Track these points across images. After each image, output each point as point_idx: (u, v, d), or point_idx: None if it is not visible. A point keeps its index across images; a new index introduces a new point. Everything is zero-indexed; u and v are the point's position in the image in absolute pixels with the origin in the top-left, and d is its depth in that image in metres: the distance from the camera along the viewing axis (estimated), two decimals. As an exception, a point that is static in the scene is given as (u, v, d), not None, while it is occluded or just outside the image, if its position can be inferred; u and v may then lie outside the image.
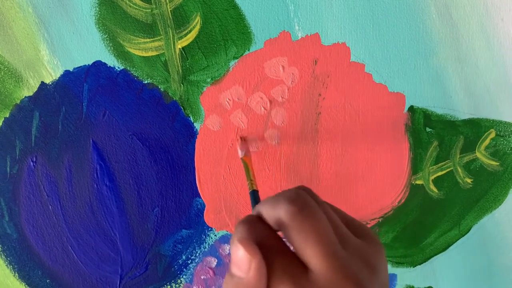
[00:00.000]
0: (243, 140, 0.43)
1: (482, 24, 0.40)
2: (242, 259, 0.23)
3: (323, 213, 0.25)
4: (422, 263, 0.47)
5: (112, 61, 0.42)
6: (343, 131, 0.43)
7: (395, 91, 0.43)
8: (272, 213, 0.25)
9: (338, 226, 0.26)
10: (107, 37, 0.41)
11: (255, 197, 0.36)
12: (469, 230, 0.46)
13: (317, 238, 0.24)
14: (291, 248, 0.25)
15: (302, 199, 0.25)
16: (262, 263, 0.23)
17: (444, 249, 0.47)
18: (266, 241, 0.24)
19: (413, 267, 0.47)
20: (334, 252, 0.24)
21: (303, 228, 0.24)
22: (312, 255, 0.24)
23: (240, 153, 0.42)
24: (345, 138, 0.44)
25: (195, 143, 0.44)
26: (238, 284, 0.24)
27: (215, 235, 0.47)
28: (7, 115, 0.43)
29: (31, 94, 0.43)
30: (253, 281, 0.23)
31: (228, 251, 0.47)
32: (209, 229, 0.46)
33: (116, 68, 0.42)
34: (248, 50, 0.42)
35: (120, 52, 0.42)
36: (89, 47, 0.42)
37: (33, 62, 0.42)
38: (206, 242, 0.47)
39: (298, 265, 0.24)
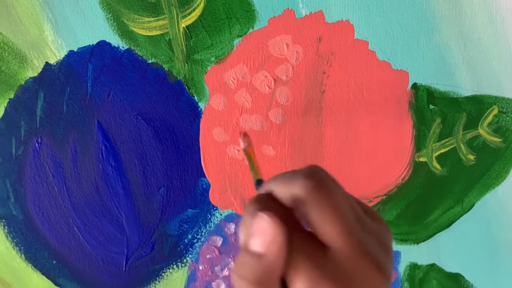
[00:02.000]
0: (245, 135, 0.42)
1: (485, 0, 0.40)
2: (266, 232, 0.22)
3: (340, 190, 0.24)
4: (425, 240, 0.47)
5: (116, 41, 0.42)
6: (347, 109, 0.44)
7: (398, 69, 0.43)
8: (286, 189, 0.24)
9: (354, 205, 0.25)
10: (111, 16, 0.41)
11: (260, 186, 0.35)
12: (472, 207, 0.47)
13: (336, 214, 0.23)
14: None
15: (319, 175, 0.24)
16: (287, 236, 0.22)
17: (447, 226, 0.47)
18: (281, 218, 0.23)
19: (417, 244, 0.48)
20: (353, 230, 0.23)
21: (322, 203, 0.23)
22: (331, 231, 0.23)
23: (242, 146, 0.42)
24: (349, 116, 0.44)
25: (200, 123, 0.44)
26: (256, 263, 0.22)
27: (221, 214, 0.47)
28: (12, 96, 0.43)
29: (35, 74, 0.43)
30: (273, 258, 0.22)
31: (233, 230, 0.47)
32: (215, 208, 0.47)
33: (121, 47, 0.42)
34: (252, 28, 0.42)
35: (124, 31, 0.42)
36: (93, 27, 0.42)
37: (37, 42, 0.42)
38: (211, 221, 0.47)
39: (316, 243, 0.23)
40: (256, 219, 0.22)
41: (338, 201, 0.23)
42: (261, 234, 0.22)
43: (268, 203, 0.24)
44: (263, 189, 0.26)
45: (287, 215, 0.23)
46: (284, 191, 0.24)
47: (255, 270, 0.22)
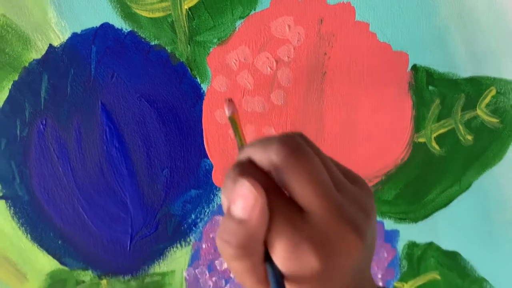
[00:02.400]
0: (230, 101, 0.43)
1: None
2: (247, 197, 0.22)
3: (315, 155, 0.24)
4: (423, 219, 0.48)
5: (119, 23, 0.42)
6: (348, 90, 0.44)
7: (398, 50, 0.43)
8: (263, 155, 0.24)
9: (332, 169, 0.26)
10: None
11: None
12: (469, 186, 0.47)
13: (311, 179, 0.23)
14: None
15: (294, 141, 0.24)
16: (266, 202, 0.23)
17: (445, 205, 0.48)
18: (261, 183, 0.23)
19: (415, 223, 0.48)
20: (329, 193, 0.23)
21: (297, 169, 0.23)
22: (307, 196, 0.23)
23: (227, 113, 0.42)
24: (349, 97, 0.44)
25: (202, 105, 0.45)
26: (239, 227, 0.23)
27: None
28: (16, 78, 0.44)
29: (39, 57, 0.43)
30: (255, 223, 0.22)
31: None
32: (217, 189, 0.47)
33: (124, 29, 0.42)
34: (254, 10, 0.42)
35: (127, 13, 0.42)
36: (97, 9, 0.42)
37: (41, 24, 0.42)
38: (214, 202, 0.48)
39: (294, 207, 0.24)
40: (237, 185, 0.23)
41: (313, 166, 0.24)
42: (242, 200, 0.22)
43: (248, 168, 0.24)
44: (243, 155, 0.26)
45: (266, 180, 0.24)
46: (261, 157, 0.24)
47: (238, 234, 0.23)
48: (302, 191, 0.23)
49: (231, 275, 0.24)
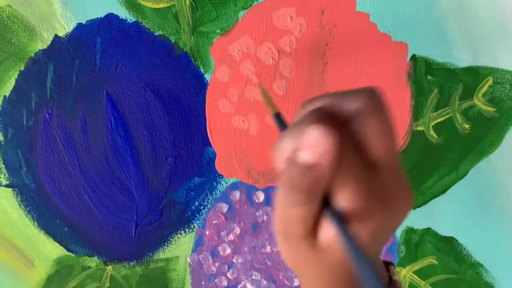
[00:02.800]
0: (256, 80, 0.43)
1: None
2: (320, 141, 0.22)
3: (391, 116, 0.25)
4: (421, 205, 0.49)
5: (124, 14, 0.43)
6: (349, 79, 0.45)
7: (398, 41, 0.44)
8: (347, 103, 0.24)
9: None
10: None
11: (280, 119, 0.34)
12: (466, 174, 0.48)
13: (391, 132, 0.24)
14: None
15: (381, 96, 0.25)
16: (339, 147, 0.22)
17: (443, 192, 0.49)
18: (336, 129, 0.22)
19: (413, 209, 0.49)
20: (397, 149, 0.25)
21: (382, 121, 0.24)
22: (383, 148, 0.23)
23: (254, 79, 0.42)
24: (350, 87, 0.44)
25: (205, 94, 0.45)
26: (307, 172, 0.22)
27: (226, 182, 0.48)
28: (22, 68, 0.44)
29: (45, 47, 0.44)
30: (325, 167, 0.22)
31: (238, 197, 0.49)
32: (220, 176, 0.48)
33: (128, 20, 0.43)
34: (257, 1, 0.42)
35: (131, 4, 0.42)
36: (101, 0, 0.42)
37: (46, 15, 0.43)
38: (217, 189, 0.49)
39: (363, 159, 0.24)
40: (310, 130, 0.22)
41: (392, 121, 0.24)
42: (314, 145, 0.22)
43: (321, 116, 0.24)
44: (311, 103, 0.26)
45: (340, 128, 0.23)
46: (343, 105, 0.24)
47: (306, 180, 0.22)
48: (381, 142, 0.24)
49: (276, 229, 0.24)
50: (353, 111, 0.24)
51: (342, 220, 0.23)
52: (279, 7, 0.42)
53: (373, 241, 0.24)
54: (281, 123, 0.34)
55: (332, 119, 0.24)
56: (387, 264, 0.29)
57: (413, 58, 0.44)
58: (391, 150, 0.24)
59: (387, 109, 0.24)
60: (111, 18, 0.43)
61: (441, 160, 0.48)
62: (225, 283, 0.51)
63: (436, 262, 0.51)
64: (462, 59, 0.44)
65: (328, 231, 0.24)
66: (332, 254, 0.24)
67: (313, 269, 0.26)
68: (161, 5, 0.42)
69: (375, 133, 0.24)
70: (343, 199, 0.23)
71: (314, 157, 0.22)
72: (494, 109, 0.46)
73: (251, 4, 0.42)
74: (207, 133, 0.47)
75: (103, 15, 0.43)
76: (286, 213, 0.24)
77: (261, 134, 0.46)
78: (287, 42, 0.44)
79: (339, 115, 0.24)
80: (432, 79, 0.45)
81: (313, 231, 0.24)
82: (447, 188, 0.49)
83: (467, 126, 0.47)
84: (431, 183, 0.49)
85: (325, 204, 0.24)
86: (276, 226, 0.25)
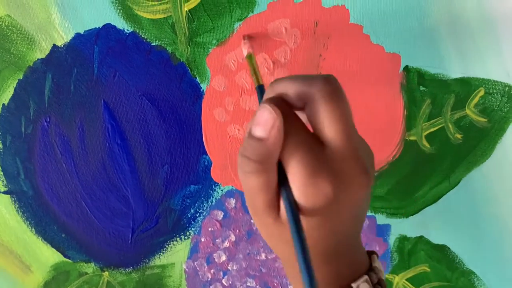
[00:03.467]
0: (249, 38, 0.43)
1: None
2: (267, 118, 0.25)
3: (348, 102, 0.27)
4: (414, 214, 0.49)
5: (121, 24, 0.43)
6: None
7: (391, 52, 0.44)
8: (303, 88, 0.26)
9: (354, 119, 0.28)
10: (116, 0, 0.42)
11: (261, 91, 0.36)
12: (458, 183, 0.48)
13: (343, 117, 0.26)
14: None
15: (336, 82, 0.27)
16: (282, 124, 0.25)
17: (435, 200, 0.49)
18: (288, 114, 0.26)
19: (406, 217, 0.50)
20: (352, 134, 0.26)
21: (332, 106, 0.26)
22: (335, 132, 0.26)
23: (244, 52, 0.42)
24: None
25: (201, 103, 0.46)
26: (258, 144, 0.25)
27: (221, 190, 0.49)
28: (21, 76, 0.45)
29: (43, 56, 0.44)
30: (272, 141, 0.25)
31: (233, 204, 0.49)
32: (216, 184, 0.48)
33: (126, 30, 0.43)
34: (252, 12, 0.43)
35: (129, 15, 0.43)
36: (99, 11, 0.43)
37: (45, 25, 0.43)
38: (213, 197, 0.49)
39: (314, 139, 0.26)
40: (260, 109, 0.25)
41: (346, 107, 0.26)
42: (262, 121, 0.25)
43: (273, 98, 0.27)
44: (276, 84, 0.28)
45: (292, 113, 0.27)
46: (299, 89, 0.27)
47: (257, 151, 0.25)
48: (331, 125, 0.25)
49: (246, 202, 0.27)
50: (309, 94, 0.26)
51: (289, 193, 0.25)
52: (274, 19, 0.43)
53: (328, 218, 0.26)
54: (261, 96, 0.35)
55: (283, 101, 0.27)
56: (371, 253, 0.31)
57: (406, 69, 0.45)
58: (343, 133, 0.26)
59: (340, 96, 0.26)
60: (108, 28, 0.43)
61: (433, 169, 0.48)
62: (220, 290, 0.52)
63: (428, 270, 0.52)
64: (454, 70, 0.45)
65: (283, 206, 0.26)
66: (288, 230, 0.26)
67: (279, 244, 0.29)
68: (158, 16, 0.43)
69: (325, 116, 0.26)
70: (290, 172, 0.25)
71: (263, 132, 0.25)
72: (486, 120, 0.46)
73: (247, 16, 0.43)
74: (203, 142, 0.47)
75: (101, 25, 0.43)
76: (245, 182, 0.26)
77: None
78: (282, 53, 0.44)
79: (293, 99, 0.27)
80: (425, 89, 0.45)
81: (276, 205, 0.26)
82: (440, 197, 0.49)
83: (459, 136, 0.47)
84: (423, 192, 0.49)
85: (281, 179, 0.26)
86: (246, 198, 0.28)
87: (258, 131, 0.25)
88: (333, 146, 0.26)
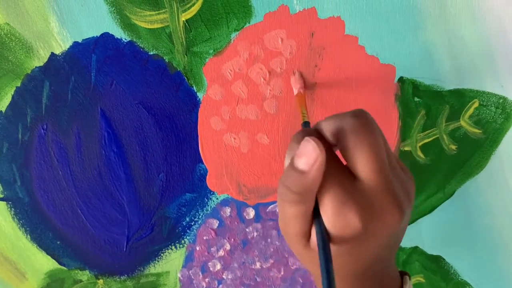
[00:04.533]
0: (299, 75, 0.43)
1: (468, 0, 0.42)
2: (310, 153, 0.25)
3: (380, 135, 0.27)
4: (409, 224, 0.49)
5: (119, 33, 0.43)
6: (337, 100, 0.45)
7: (386, 63, 0.44)
8: (335, 124, 0.27)
9: (389, 152, 0.29)
10: (114, 9, 0.42)
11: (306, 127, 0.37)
12: (453, 194, 0.48)
13: (373, 152, 0.26)
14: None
15: (367, 117, 0.27)
16: (325, 160, 0.25)
17: (430, 211, 0.49)
18: (323, 146, 0.26)
19: (401, 228, 0.49)
20: (383, 168, 0.26)
21: (363, 140, 0.26)
22: (365, 165, 0.26)
23: (295, 91, 0.43)
24: (339, 107, 0.45)
25: (198, 112, 0.46)
26: (299, 177, 0.26)
27: (217, 199, 0.49)
28: (19, 84, 0.45)
29: (41, 64, 0.44)
30: (313, 175, 0.25)
31: (229, 213, 0.49)
32: (211, 193, 0.48)
33: (123, 39, 0.43)
34: (249, 23, 0.43)
35: (126, 24, 0.43)
36: (97, 19, 0.43)
37: (43, 33, 0.43)
38: (208, 205, 0.49)
39: (348, 173, 0.27)
40: (304, 142, 0.26)
41: (377, 141, 0.27)
42: (305, 154, 0.26)
43: (314, 133, 0.28)
44: (314, 126, 0.29)
45: (328, 147, 0.27)
46: (332, 126, 0.28)
47: (298, 183, 0.26)
48: (362, 159, 0.26)
49: (280, 224, 0.29)
50: (342, 129, 0.27)
51: (320, 222, 0.27)
52: (270, 29, 0.43)
53: (357, 247, 0.27)
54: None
55: (322, 138, 0.28)
56: (403, 274, 0.32)
57: (401, 80, 0.45)
58: (373, 167, 0.26)
59: (370, 130, 0.27)
60: (106, 37, 0.44)
61: (428, 180, 0.48)
62: (215, 298, 0.52)
63: (423, 281, 0.51)
64: (449, 82, 0.45)
65: (314, 235, 0.27)
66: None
67: (309, 265, 0.30)
68: (155, 26, 0.43)
69: (355, 150, 0.26)
70: (322, 203, 0.26)
71: (306, 165, 0.26)
72: (480, 131, 0.46)
73: (243, 26, 0.43)
74: (199, 150, 0.47)
75: (98, 34, 0.43)
76: (282, 209, 0.27)
77: (252, 151, 0.47)
78: (277, 63, 0.44)
79: (329, 136, 0.28)
80: (419, 100, 0.45)
81: (307, 232, 0.27)
82: (434, 208, 0.49)
83: (453, 147, 0.47)
84: (418, 203, 0.49)
85: (316, 211, 0.27)
86: (279, 222, 0.29)
87: (301, 164, 0.26)
88: (364, 180, 0.26)
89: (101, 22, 0.43)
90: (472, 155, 0.47)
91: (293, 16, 0.43)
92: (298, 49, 0.44)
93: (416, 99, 0.45)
